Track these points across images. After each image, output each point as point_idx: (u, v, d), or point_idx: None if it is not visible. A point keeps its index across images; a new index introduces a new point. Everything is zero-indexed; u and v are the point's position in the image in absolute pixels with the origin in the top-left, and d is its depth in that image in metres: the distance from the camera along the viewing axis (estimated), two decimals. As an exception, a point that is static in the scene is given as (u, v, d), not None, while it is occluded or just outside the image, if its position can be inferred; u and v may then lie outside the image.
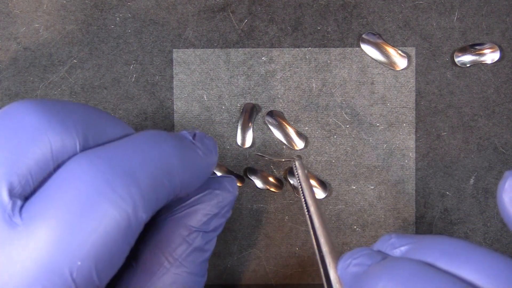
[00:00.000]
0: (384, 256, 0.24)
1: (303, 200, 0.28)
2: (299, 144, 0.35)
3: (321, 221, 0.28)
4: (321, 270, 0.26)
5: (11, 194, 0.22)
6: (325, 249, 0.27)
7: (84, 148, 0.24)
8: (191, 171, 0.26)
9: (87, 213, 0.22)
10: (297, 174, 0.29)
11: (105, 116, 0.26)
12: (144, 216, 0.24)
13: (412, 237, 0.24)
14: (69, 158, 0.24)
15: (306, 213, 0.28)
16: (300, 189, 0.29)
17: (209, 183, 0.29)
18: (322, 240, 0.27)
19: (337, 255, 0.27)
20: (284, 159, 0.30)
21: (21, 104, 0.24)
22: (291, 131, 0.35)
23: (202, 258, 0.29)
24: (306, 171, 0.30)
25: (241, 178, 0.35)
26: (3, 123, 0.24)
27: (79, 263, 0.22)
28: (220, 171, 0.35)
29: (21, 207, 0.23)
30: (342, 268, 0.25)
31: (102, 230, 0.22)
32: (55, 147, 0.23)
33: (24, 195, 0.23)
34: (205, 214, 0.28)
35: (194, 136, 0.28)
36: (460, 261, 0.22)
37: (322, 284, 0.36)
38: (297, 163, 0.30)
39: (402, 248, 0.24)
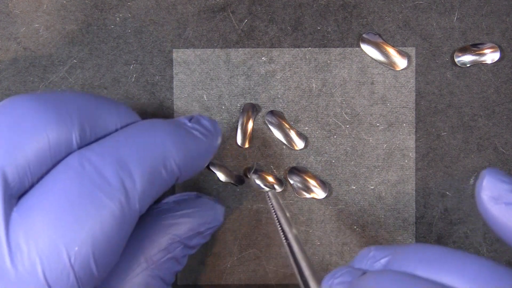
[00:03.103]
0: (364, 272, 0.24)
1: (280, 229, 0.29)
2: (299, 144, 0.35)
3: (300, 247, 0.28)
4: None
5: (6, 185, 0.23)
6: (307, 273, 0.27)
7: (82, 140, 0.25)
8: (189, 155, 0.27)
9: (81, 202, 0.23)
10: (271, 204, 0.30)
11: (106, 104, 0.27)
12: (138, 206, 0.24)
13: (391, 248, 0.25)
14: (66, 155, 0.24)
15: (285, 241, 0.29)
16: (276, 219, 0.30)
17: (202, 204, 0.31)
18: (303, 265, 0.28)
19: (319, 278, 0.27)
20: (260, 189, 0.31)
21: (18, 99, 0.25)
22: (291, 131, 0.35)
23: (175, 269, 0.29)
24: (280, 201, 0.31)
25: (241, 179, 0.35)
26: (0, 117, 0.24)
27: (76, 248, 0.23)
28: (220, 171, 0.35)
29: (18, 199, 0.23)
30: None
31: (97, 218, 0.23)
32: (53, 141, 0.24)
33: (23, 189, 0.24)
34: (191, 228, 0.29)
35: (191, 119, 0.28)
36: (438, 267, 0.22)
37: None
38: (270, 194, 0.31)
39: (382, 261, 0.25)
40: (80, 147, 0.25)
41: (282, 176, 0.36)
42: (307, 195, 0.35)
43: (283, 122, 0.35)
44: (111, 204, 0.23)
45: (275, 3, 0.35)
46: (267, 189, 0.31)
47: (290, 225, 0.30)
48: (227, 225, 0.36)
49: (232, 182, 0.35)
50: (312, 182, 0.35)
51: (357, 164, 0.36)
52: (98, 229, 0.23)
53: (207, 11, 0.35)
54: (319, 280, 0.27)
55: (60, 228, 0.23)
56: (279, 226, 0.29)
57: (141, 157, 0.25)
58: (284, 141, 0.35)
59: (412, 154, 0.36)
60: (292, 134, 0.35)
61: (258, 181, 0.32)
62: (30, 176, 0.24)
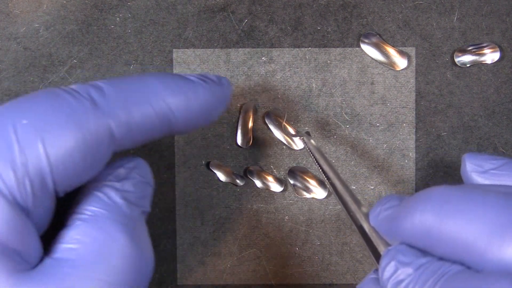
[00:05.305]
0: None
1: (321, 170, 0.31)
2: (299, 144, 0.35)
3: (343, 184, 0.29)
4: (356, 228, 0.27)
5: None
6: (353, 207, 0.28)
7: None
8: (185, 98, 0.25)
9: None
10: (309, 149, 0.32)
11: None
12: (112, 125, 0.23)
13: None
14: None
15: (327, 181, 0.30)
16: (315, 162, 0.31)
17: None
18: (348, 199, 0.28)
19: (366, 210, 0.28)
20: (294, 135, 0.34)
21: None
22: (291, 131, 0.35)
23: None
24: (315, 144, 0.32)
25: (241, 178, 0.36)
26: None
27: (24, 121, 0.22)
28: (220, 171, 0.35)
29: None
30: (374, 217, 0.26)
31: (56, 110, 0.22)
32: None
33: None
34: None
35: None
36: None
37: (322, 284, 0.36)
38: (305, 139, 0.32)
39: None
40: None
41: (282, 176, 0.36)
42: (307, 195, 0.35)
43: (283, 122, 0.35)
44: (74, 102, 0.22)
45: (275, 3, 0.35)
46: (300, 136, 0.33)
47: (329, 164, 0.30)
48: (227, 225, 0.36)
49: (232, 182, 0.36)
50: (312, 182, 0.35)
51: (357, 164, 0.36)
52: (54, 117, 0.22)
53: (207, 11, 0.35)
54: (366, 211, 0.28)
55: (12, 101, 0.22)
56: (319, 167, 0.31)
57: (118, 83, 0.24)
58: (284, 141, 0.35)
59: (412, 154, 0.36)
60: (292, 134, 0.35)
61: (290, 129, 0.35)
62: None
